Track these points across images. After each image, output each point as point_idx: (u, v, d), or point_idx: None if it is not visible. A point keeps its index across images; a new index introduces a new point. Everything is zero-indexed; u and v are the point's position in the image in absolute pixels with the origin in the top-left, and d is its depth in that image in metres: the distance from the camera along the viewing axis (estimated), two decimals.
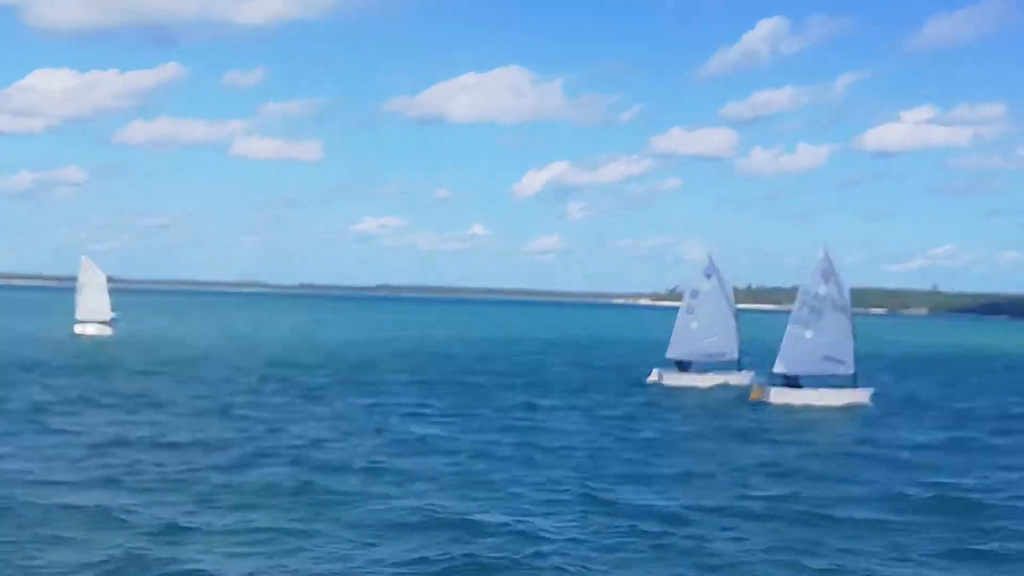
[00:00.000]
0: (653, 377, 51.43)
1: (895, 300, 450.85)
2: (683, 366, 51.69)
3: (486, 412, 37.79)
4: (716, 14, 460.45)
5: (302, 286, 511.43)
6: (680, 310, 52.99)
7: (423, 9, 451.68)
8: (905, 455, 30.56)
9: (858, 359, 44.86)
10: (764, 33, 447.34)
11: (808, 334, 44.20)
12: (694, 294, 53.10)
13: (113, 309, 77.45)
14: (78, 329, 76.53)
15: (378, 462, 25.92)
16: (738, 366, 52.06)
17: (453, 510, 20.67)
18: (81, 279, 77.47)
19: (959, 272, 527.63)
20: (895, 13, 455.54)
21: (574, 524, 20.09)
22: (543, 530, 19.34)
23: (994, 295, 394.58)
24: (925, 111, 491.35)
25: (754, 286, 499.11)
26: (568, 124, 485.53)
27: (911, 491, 24.41)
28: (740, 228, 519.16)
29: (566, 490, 23.22)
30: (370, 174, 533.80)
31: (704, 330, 52.05)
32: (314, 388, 44.01)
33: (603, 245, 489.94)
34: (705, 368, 52.16)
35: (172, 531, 18.43)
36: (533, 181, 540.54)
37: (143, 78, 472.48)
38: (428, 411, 37.65)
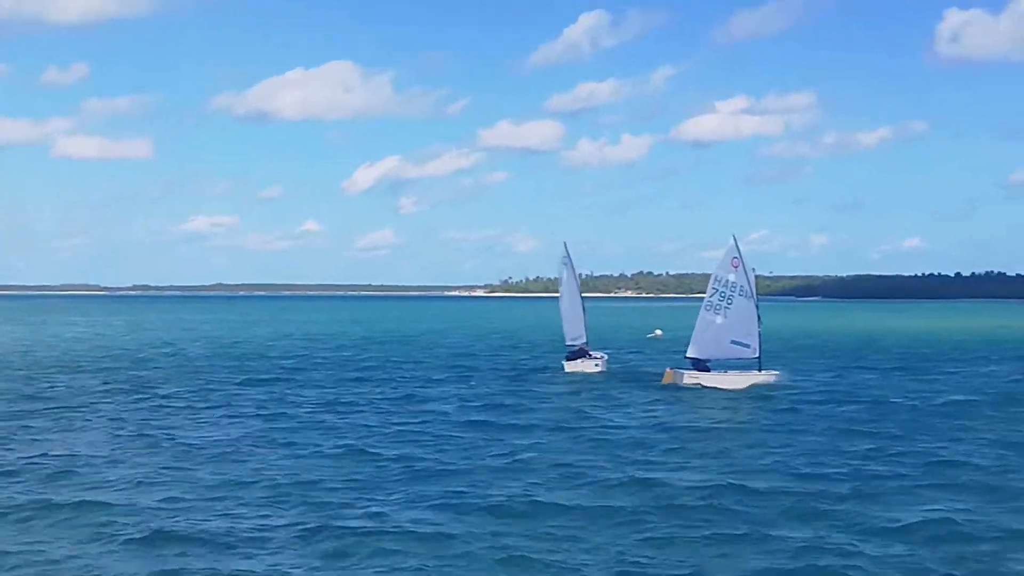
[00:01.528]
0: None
1: None
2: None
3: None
4: (538, 8, 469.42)
5: (136, 287, 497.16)
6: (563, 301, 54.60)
7: (248, 5, 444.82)
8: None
9: (762, 342, 47.35)
10: (585, 27, 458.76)
11: (719, 320, 46.54)
12: (560, 282, 55.86)
13: None
14: None
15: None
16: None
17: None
18: None
19: (774, 256, 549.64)
20: (705, 6, 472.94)
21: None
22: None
23: (808, 277, 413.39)
24: (738, 101, 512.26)
25: (583, 274, 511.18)
26: (398, 118, 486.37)
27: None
28: (567, 219, 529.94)
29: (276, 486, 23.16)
30: (200, 172, 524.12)
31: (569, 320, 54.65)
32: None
33: (436, 238, 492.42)
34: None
35: None
36: (364, 176, 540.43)
37: None
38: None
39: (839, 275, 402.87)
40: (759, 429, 33.30)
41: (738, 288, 46.80)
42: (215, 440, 29.59)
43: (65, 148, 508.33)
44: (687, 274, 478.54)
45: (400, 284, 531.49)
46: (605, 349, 59.18)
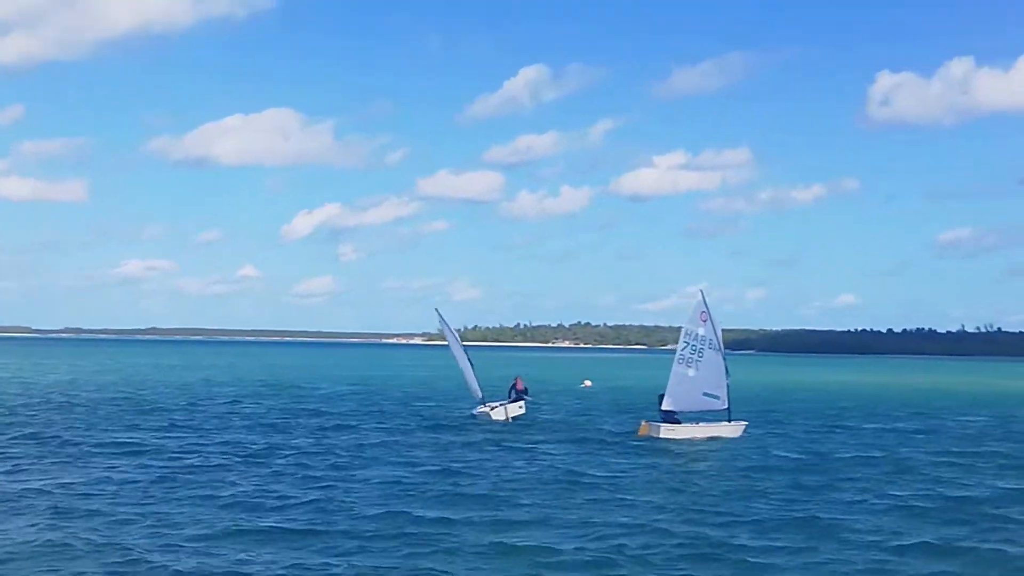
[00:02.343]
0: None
1: (654, 336, 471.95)
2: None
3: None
4: (479, 59, 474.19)
5: (67, 330, 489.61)
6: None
7: (187, 50, 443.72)
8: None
9: (729, 395, 48.70)
10: (526, 80, 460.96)
11: (691, 372, 47.79)
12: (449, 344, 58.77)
13: None
14: None
15: None
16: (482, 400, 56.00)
17: None
18: None
19: (711, 310, 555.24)
20: (645, 62, 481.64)
21: None
22: None
23: (745, 331, 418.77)
24: (676, 156, 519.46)
25: (522, 324, 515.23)
26: (337, 166, 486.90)
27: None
28: (506, 269, 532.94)
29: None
30: (134, 216, 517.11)
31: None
32: None
33: (374, 286, 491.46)
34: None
35: None
36: (304, 223, 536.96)
37: None
38: None
39: (774, 329, 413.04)
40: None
41: (707, 341, 48.18)
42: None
43: None
44: (624, 325, 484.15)
45: (339, 331, 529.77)
46: (537, 397, 62.84)
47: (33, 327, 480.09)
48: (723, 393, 48.26)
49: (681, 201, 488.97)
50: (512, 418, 54.27)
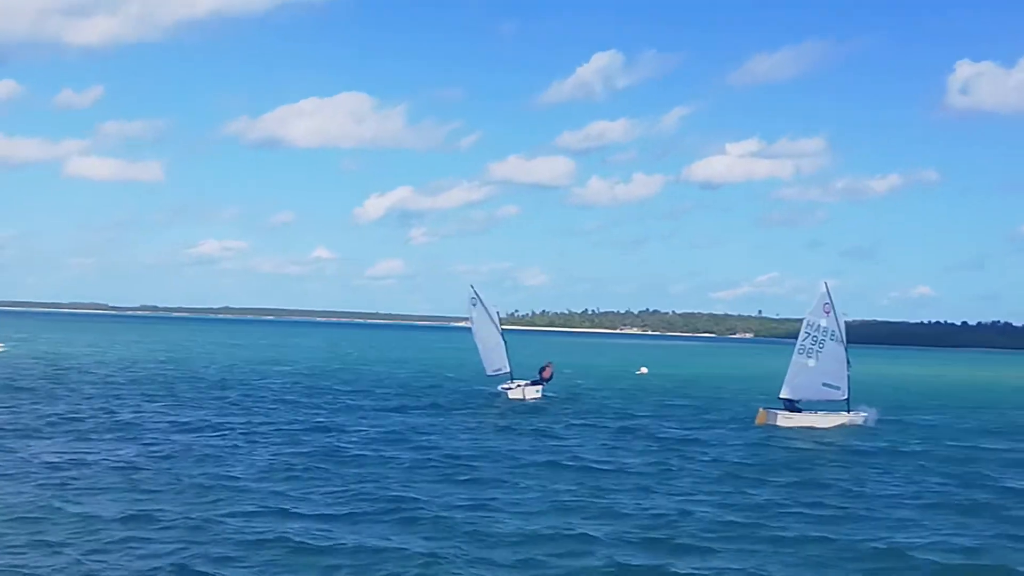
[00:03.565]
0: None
1: (723, 325, 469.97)
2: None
3: None
4: (553, 45, 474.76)
5: (143, 308, 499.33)
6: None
7: (264, 33, 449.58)
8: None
9: (850, 385, 49.52)
10: (599, 66, 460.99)
11: (811, 363, 48.79)
12: (470, 319, 61.74)
13: None
14: None
15: None
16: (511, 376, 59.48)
17: None
18: None
19: (784, 299, 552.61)
20: (721, 49, 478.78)
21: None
22: None
23: None
24: (749, 144, 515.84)
25: (590, 310, 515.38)
26: (409, 150, 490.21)
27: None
28: (576, 255, 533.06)
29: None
30: (211, 196, 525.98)
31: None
32: None
33: (444, 270, 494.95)
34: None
35: None
36: (376, 206, 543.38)
37: None
38: None
39: (847, 320, 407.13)
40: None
41: (829, 333, 49.08)
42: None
43: (78, 168, 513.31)
44: (694, 313, 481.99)
45: (408, 313, 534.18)
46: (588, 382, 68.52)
47: (110, 304, 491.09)
48: (843, 384, 49.13)
49: (755, 189, 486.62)
50: (529, 399, 56.84)
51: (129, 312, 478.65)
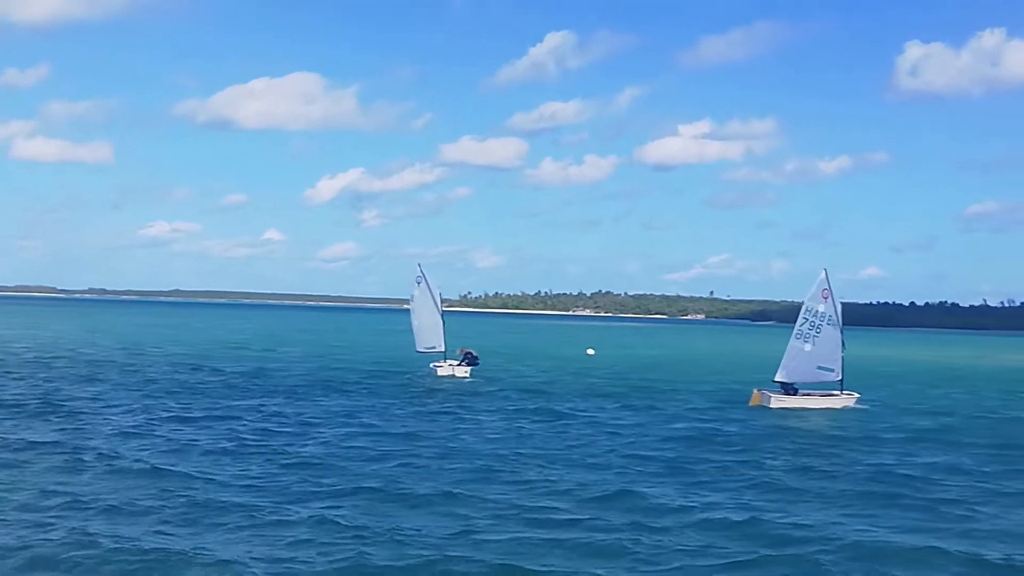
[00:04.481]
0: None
1: (675, 306, 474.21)
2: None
3: None
4: (505, 25, 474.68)
5: (92, 291, 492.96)
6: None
7: (214, 13, 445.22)
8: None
9: (843, 367, 51.04)
10: (552, 46, 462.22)
11: (807, 347, 50.19)
12: (412, 299, 64.26)
13: None
14: None
15: None
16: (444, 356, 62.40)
17: None
18: None
19: (734, 280, 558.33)
20: (673, 30, 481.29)
21: None
22: None
23: (765, 302, 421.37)
24: (701, 126, 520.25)
25: (544, 292, 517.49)
26: (361, 131, 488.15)
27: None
28: (529, 237, 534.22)
29: None
30: (161, 178, 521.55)
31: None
32: None
33: (397, 252, 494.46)
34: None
35: None
36: (327, 188, 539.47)
37: None
38: None
39: (797, 301, 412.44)
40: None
41: (826, 318, 50.52)
42: None
43: (24, 150, 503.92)
44: (646, 295, 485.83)
45: (362, 296, 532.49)
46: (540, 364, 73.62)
47: (58, 287, 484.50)
48: (837, 366, 50.71)
49: (706, 171, 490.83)
50: (458, 376, 60.38)
51: (77, 295, 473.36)
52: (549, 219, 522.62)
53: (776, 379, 50.79)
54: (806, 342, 50.38)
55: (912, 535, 22.02)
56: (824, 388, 51.12)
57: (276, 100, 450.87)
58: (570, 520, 22.43)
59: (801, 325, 50.59)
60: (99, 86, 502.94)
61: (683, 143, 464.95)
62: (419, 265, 64.42)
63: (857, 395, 51.21)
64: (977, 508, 25.28)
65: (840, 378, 50.76)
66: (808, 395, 50.44)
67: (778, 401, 49.85)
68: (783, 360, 50.50)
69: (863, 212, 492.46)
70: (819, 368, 50.59)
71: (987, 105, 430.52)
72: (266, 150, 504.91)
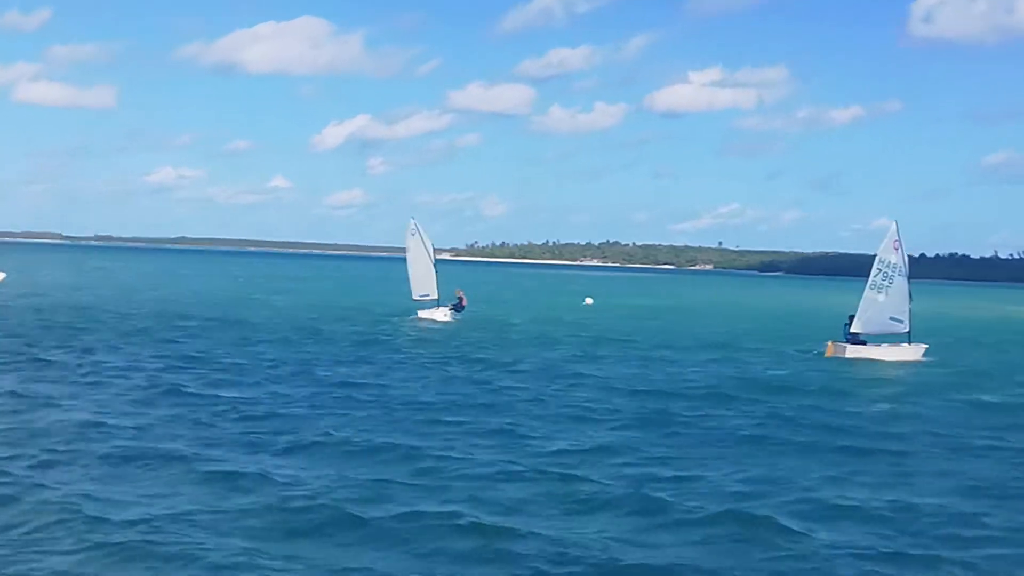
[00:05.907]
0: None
1: (683, 256, 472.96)
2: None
3: None
4: None
5: (98, 237, 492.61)
6: None
7: None
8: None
9: (912, 318, 51.39)
10: None
11: (880, 298, 50.57)
12: (407, 249, 66.39)
13: None
14: None
15: None
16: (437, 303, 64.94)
17: None
18: None
19: (745, 230, 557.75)
20: None
21: None
22: None
23: (775, 252, 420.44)
24: (712, 73, 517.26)
25: (551, 242, 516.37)
26: (368, 77, 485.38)
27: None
28: (537, 185, 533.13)
29: None
30: (165, 123, 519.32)
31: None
32: None
33: (404, 200, 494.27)
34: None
35: None
36: (334, 134, 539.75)
37: None
38: None
39: (806, 252, 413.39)
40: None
41: (897, 268, 50.85)
42: None
43: (28, 94, 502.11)
44: (654, 245, 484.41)
45: (367, 244, 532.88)
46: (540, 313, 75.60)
47: (64, 233, 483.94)
48: (906, 317, 51.07)
49: (717, 119, 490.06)
50: (439, 320, 63.08)
51: (83, 241, 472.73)
52: (557, 167, 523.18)
53: (851, 330, 51.14)
54: (879, 292, 50.69)
55: None
56: (893, 340, 51.58)
57: (282, 44, 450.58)
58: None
59: (875, 276, 50.83)
60: (103, 29, 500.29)
61: (693, 90, 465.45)
62: (413, 218, 67.48)
63: (926, 345, 51.60)
64: None
65: (908, 330, 51.19)
66: (877, 348, 50.91)
67: (853, 352, 50.23)
68: (858, 311, 50.80)
69: (876, 162, 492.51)
70: (891, 319, 50.97)
71: (1001, 53, 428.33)
72: (272, 95, 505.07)
